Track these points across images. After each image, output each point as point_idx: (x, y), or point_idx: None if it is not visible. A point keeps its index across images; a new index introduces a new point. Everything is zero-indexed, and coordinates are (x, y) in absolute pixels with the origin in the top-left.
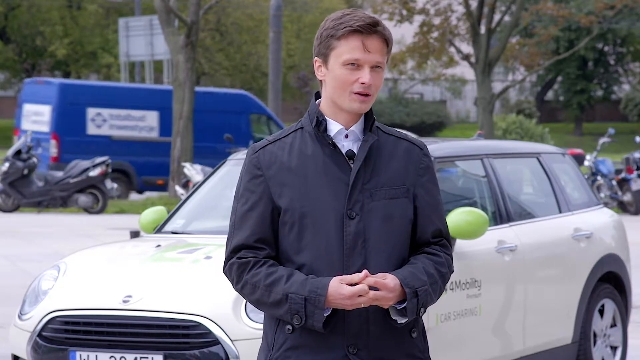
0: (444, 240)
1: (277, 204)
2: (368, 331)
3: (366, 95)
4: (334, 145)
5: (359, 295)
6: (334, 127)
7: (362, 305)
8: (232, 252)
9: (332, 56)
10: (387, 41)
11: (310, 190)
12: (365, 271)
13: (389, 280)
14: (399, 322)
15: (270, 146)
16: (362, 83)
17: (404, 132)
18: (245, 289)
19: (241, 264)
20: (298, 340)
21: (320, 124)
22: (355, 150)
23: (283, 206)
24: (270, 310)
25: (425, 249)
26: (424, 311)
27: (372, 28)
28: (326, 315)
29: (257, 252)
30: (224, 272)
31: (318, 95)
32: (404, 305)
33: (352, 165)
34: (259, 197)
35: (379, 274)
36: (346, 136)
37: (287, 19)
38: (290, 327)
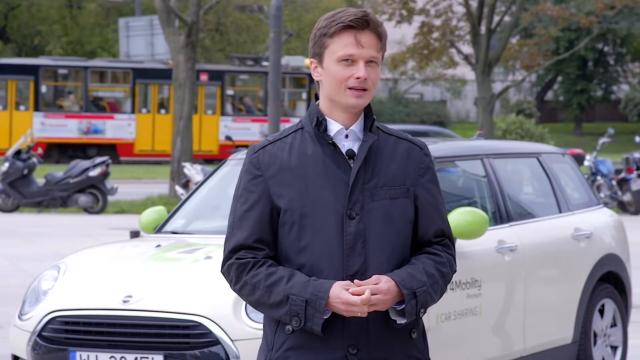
0: (446, 239)
1: (276, 204)
2: (368, 331)
3: (363, 90)
4: (334, 145)
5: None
6: (334, 127)
7: (359, 315)
8: (231, 253)
9: (327, 54)
10: (380, 36)
11: (310, 190)
12: (356, 281)
13: (382, 283)
14: (398, 322)
15: (270, 146)
16: (357, 78)
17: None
18: (244, 290)
19: (240, 265)
20: (298, 340)
21: (320, 124)
22: (355, 150)
23: (283, 206)
24: (269, 311)
25: (426, 249)
26: (424, 312)
27: (364, 23)
28: (326, 317)
29: (256, 253)
30: (222, 272)
31: (318, 97)
32: (404, 306)
33: (352, 165)
34: (258, 197)
35: (372, 277)
36: (346, 136)
37: (287, 19)
38: (290, 328)
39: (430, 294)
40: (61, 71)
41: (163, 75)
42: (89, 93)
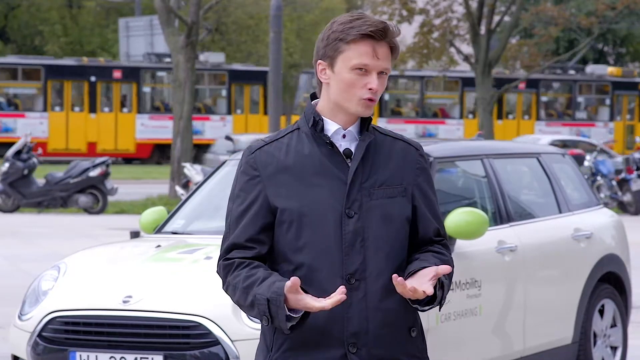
0: (444, 240)
1: (273, 204)
2: (367, 329)
3: (371, 99)
4: (332, 145)
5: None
6: (331, 127)
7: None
8: (224, 253)
9: (340, 60)
10: (393, 48)
11: (308, 189)
12: (395, 276)
13: (429, 286)
14: (420, 308)
15: (267, 147)
16: (370, 89)
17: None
18: (229, 291)
19: (226, 266)
20: (297, 340)
21: (317, 124)
22: (352, 150)
23: (280, 206)
24: (248, 312)
25: (428, 247)
26: (443, 303)
27: (383, 34)
28: (297, 316)
29: (246, 252)
30: (217, 272)
31: (314, 97)
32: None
33: (349, 164)
34: (254, 198)
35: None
36: (343, 136)
37: (287, 18)
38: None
39: (448, 287)
40: (401, 79)
41: None
42: (424, 101)
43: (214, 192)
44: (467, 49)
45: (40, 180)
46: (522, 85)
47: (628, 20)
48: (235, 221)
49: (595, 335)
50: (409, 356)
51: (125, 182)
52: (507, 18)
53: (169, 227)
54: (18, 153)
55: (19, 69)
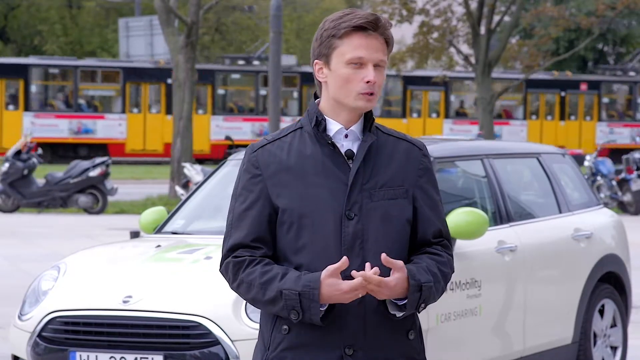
0: (444, 240)
1: (275, 203)
2: (365, 332)
3: (371, 93)
4: (333, 145)
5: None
6: (333, 127)
7: (359, 295)
8: (229, 251)
9: (335, 56)
10: (387, 40)
11: (309, 190)
12: (368, 264)
13: (391, 278)
14: (397, 316)
15: (269, 145)
16: (368, 82)
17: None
18: (241, 288)
19: (237, 263)
20: (294, 340)
21: (319, 124)
22: (354, 150)
23: (281, 206)
24: (266, 308)
25: (427, 249)
26: (424, 307)
27: (374, 26)
28: (323, 309)
29: (254, 251)
30: (220, 271)
31: (317, 96)
32: (405, 301)
33: (351, 165)
34: (257, 197)
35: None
36: (346, 136)
37: (287, 18)
38: (287, 327)
39: (433, 291)
40: (467, 82)
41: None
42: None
43: (214, 192)
44: (467, 49)
45: (40, 180)
46: (584, 87)
47: (628, 20)
48: (238, 220)
49: (595, 335)
50: (407, 358)
51: (125, 182)
52: (507, 18)
53: (169, 227)
54: (18, 153)
55: (98, 71)
